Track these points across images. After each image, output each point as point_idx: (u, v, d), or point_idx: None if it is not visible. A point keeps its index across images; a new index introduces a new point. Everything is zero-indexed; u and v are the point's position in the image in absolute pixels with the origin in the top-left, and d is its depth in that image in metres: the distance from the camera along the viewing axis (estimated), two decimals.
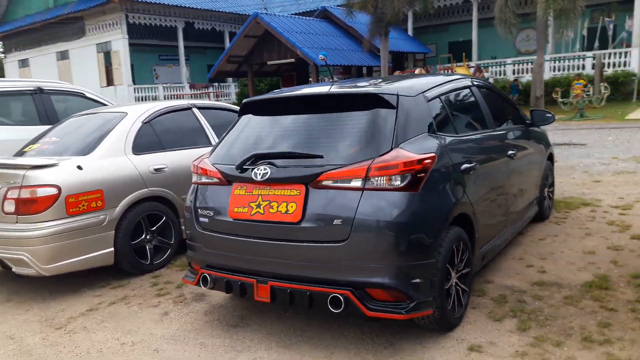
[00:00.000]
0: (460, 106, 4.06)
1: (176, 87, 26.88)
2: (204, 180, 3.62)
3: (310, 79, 28.37)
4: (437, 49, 30.67)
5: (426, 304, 3.00)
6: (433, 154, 3.13)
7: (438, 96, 3.62)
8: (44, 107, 6.85)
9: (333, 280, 3.02)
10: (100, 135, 4.99)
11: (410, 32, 29.10)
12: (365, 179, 2.96)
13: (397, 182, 2.93)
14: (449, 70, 22.23)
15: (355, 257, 2.94)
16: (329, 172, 3.02)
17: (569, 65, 24.06)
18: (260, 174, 3.20)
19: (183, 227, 5.16)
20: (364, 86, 3.67)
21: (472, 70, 23.63)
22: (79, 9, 25.91)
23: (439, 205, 3.13)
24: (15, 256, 4.35)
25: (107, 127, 5.08)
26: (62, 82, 7.45)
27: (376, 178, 2.94)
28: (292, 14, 26.26)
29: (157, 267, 5.09)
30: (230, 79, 29.71)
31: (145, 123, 5.25)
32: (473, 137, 3.88)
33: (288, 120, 3.50)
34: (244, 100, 3.84)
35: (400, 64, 28.08)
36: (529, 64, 24.39)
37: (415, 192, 2.96)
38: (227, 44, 29.61)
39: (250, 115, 3.76)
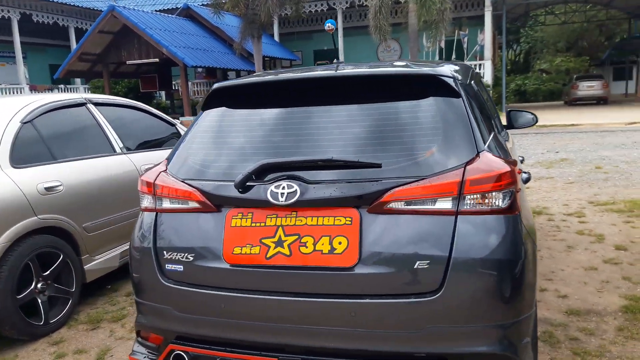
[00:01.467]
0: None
1: (13, 88, 23.09)
2: (169, 205, 2.35)
3: (176, 82, 26.44)
4: (303, 56, 30.42)
5: None
6: (514, 161, 2.24)
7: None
8: None
9: (410, 353, 1.98)
10: None
11: (276, 38, 28.46)
12: (459, 197, 1.96)
13: (499, 202, 1.97)
14: None
15: (452, 316, 1.93)
16: (400, 188, 1.97)
17: None
18: (283, 193, 2.06)
19: (87, 267, 3.76)
20: (401, 67, 2.63)
21: None
22: None
23: (532, 231, 2.25)
24: None
25: None
26: None
27: (473, 196, 1.96)
28: (149, 11, 24.08)
29: (56, 328, 3.61)
30: (78, 81, 26.49)
31: (26, 123, 3.72)
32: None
33: (299, 113, 2.36)
34: (215, 86, 2.58)
35: (270, 69, 27.26)
36: None
37: (516, 214, 2.04)
38: (73, 41, 26.33)
39: (224, 109, 2.53)
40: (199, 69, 25.11)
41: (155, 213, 2.38)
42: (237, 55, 22.49)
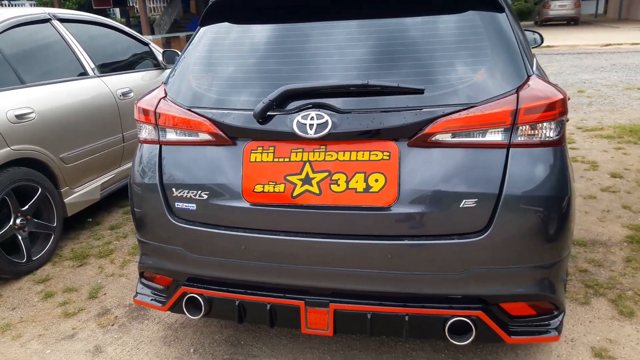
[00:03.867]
0: None
1: None
2: (172, 137, 2.10)
3: None
4: None
5: (564, 313, 2.03)
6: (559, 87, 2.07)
7: None
8: None
9: (448, 295, 1.87)
10: None
11: None
12: (512, 127, 1.77)
13: (552, 134, 1.81)
14: None
15: (497, 257, 1.80)
16: (446, 118, 1.77)
17: None
18: (312, 125, 1.83)
19: (68, 201, 3.52)
20: None
21: None
22: None
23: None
24: None
25: None
26: None
27: (526, 127, 1.78)
28: None
29: (39, 265, 3.39)
30: None
31: None
32: None
33: (322, 30, 2.06)
34: None
35: None
36: None
37: (563, 146, 1.89)
38: None
39: (227, 25, 2.22)
40: None
41: (159, 145, 2.13)
42: None
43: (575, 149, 5.33)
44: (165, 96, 2.16)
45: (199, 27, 2.31)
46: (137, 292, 2.34)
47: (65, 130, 3.58)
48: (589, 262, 3.06)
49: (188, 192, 2.04)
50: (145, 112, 2.15)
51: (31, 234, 3.35)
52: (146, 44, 4.92)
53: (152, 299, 2.28)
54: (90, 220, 4.12)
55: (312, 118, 1.83)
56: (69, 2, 23.01)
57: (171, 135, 2.10)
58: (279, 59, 2.06)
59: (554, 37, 18.56)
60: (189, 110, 2.05)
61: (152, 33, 20.58)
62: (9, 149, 3.13)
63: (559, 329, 1.92)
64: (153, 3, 25.57)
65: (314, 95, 1.88)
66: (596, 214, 3.73)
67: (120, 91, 4.18)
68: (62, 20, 4.01)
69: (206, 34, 2.25)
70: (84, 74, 3.95)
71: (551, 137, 1.81)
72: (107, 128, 4.00)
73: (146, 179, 2.14)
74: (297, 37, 2.09)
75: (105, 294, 3.03)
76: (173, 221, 2.07)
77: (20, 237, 3.25)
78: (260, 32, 2.16)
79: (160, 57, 4.91)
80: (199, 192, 2.02)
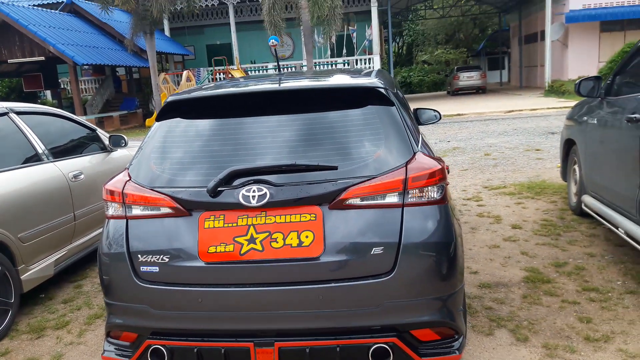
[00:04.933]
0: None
1: None
2: (138, 212, 2.53)
3: (65, 80, 25.03)
4: (195, 51, 29.97)
5: (465, 336, 2.55)
6: (441, 158, 2.69)
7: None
8: None
9: (369, 327, 2.35)
10: None
11: (167, 33, 27.81)
12: (404, 192, 2.35)
13: (435, 195, 2.39)
14: (225, 74, 21.80)
15: (403, 292, 2.32)
16: (355, 187, 2.32)
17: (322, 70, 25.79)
18: (254, 196, 2.32)
19: (24, 277, 3.80)
20: (340, 79, 2.99)
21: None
22: None
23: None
24: None
25: None
26: None
27: (415, 190, 2.36)
28: (29, 6, 22.57)
29: None
30: None
31: None
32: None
33: (253, 123, 2.62)
34: (169, 99, 2.79)
35: (162, 66, 26.63)
36: (288, 68, 25.44)
37: (446, 204, 2.48)
38: None
39: (179, 120, 2.73)
40: (86, 66, 23.97)
41: (125, 220, 2.55)
42: (128, 51, 21.76)
43: (482, 206, 6.10)
44: (130, 179, 2.60)
45: (155, 121, 2.81)
46: (104, 350, 2.65)
47: (22, 211, 3.91)
48: (493, 301, 3.63)
49: (152, 257, 2.45)
50: (113, 192, 2.58)
51: None
52: (93, 130, 5.34)
53: (118, 354, 2.60)
54: (43, 295, 4.35)
55: (253, 191, 2.33)
56: (0, 86, 22.89)
57: (136, 211, 2.53)
58: (222, 145, 2.58)
59: (463, 106, 20.32)
60: (151, 189, 2.50)
61: (85, 113, 20.79)
62: None
63: (460, 349, 2.41)
64: (85, 84, 25.86)
65: (254, 173, 2.39)
66: (499, 260, 4.37)
67: (72, 174, 4.55)
68: (18, 113, 4.40)
69: (161, 127, 2.74)
70: (38, 159, 4.32)
71: (435, 198, 2.39)
72: (60, 208, 4.33)
73: (114, 249, 2.54)
74: (237, 128, 2.63)
75: None
76: (138, 282, 2.46)
77: None
78: (206, 125, 2.69)
79: (106, 141, 5.33)
80: (162, 256, 2.44)
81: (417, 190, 2.36)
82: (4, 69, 21.44)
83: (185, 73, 23.17)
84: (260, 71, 25.95)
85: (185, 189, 2.45)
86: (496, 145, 10.61)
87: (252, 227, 2.36)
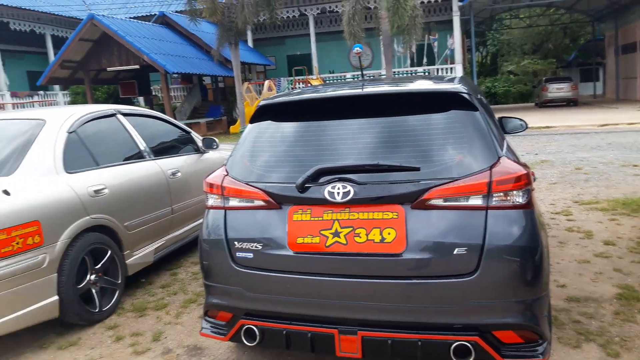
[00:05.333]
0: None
1: None
2: (235, 203, 2.80)
3: (156, 87, 26.54)
4: (276, 61, 30.84)
5: (549, 343, 2.57)
6: (526, 164, 2.74)
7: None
8: None
9: (451, 324, 2.45)
10: (16, 150, 3.78)
11: (250, 44, 28.82)
12: (488, 195, 2.43)
13: (520, 199, 2.45)
14: (304, 83, 22.33)
15: (486, 293, 2.40)
16: (438, 188, 2.44)
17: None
18: (339, 193, 2.51)
19: (129, 262, 4.19)
20: (423, 84, 3.14)
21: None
22: None
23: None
24: None
25: (23, 139, 3.87)
26: None
27: (499, 194, 2.43)
28: (126, 18, 24.19)
29: (108, 315, 4.01)
30: (57, 87, 26.37)
31: (71, 133, 4.12)
32: None
33: (342, 125, 2.82)
34: (261, 103, 3.06)
35: (244, 75, 27.62)
36: (370, 77, 25.64)
37: (532, 209, 2.53)
38: (50, 48, 26.36)
39: (269, 122, 2.99)
40: (175, 75, 25.33)
41: (224, 210, 2.83)
42: (215, 61, 22.80)
43: (571, 220, 5.85)
44: (227, 174, 2.89)
45: (249, 123, 3.08)
46: (202, 327, 2.93)
47: (128, 202, 4.33)
48: (582, 315, 3.53)
49: (246, 244, 2.71)
50: (213, 185, 2.87)
51: (101, 288, 4.00)
52: (188, 132, 5.77)
53: (215, 332, 2.87)
54: (144, 280, 4.76)
55: (338, 188, 2.51)
56: (99, 92, 24.67)
57: (233, 202, 2.80)
58: (309, 145, 2.80)
59: (552, 118, 19.44)
60: (246, 184, 2.77)
61: (175, 119, 21.94)
62: (89, 217, 3.86)
63: (544, 354, 2.43)
64: (174, 92, 27.29)
65: (339, 172, 2.57)
66: (589, 275, 4.20)
67: (170, 171, 4.97)
68: (124, 114, 4.87)
69: (254, 129, 3.01)
70: (141, 157, 4.76)
71: (520, 202, 2.44)
72: (160, 201, 4.75)
73: (214, 236, 2.82)
74: (323, 130, 2.84)
75: (166, 337, 3.62)
76: (235, 267, 2.72)
77: (94, 291, 3.90)
78: (294, 127, 2.92)
79: (200, 143, 5.75)
80: (255, 244, 2.68)
81: (502, 193, 2.43)
82: (103, 77, 23.10)
83: (267, 82, 23.95)
84: (339, 80, 26.29)
85: (276, 184, 2.68)
86: (588, 160, 10.09)
87: (336, 221, 2.55)
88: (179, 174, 5.08)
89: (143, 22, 22.99)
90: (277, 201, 2.67)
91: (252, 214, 2.76)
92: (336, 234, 2.54)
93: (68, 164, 3.92)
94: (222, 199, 2.84)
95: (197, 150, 5.71)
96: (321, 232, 2.57)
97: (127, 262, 4.29)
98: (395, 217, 2.48)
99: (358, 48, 4.75)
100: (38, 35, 26.28)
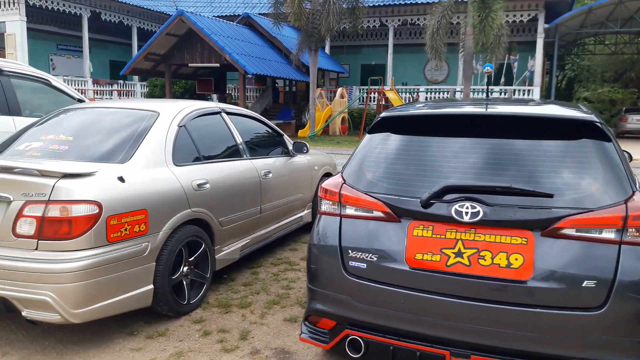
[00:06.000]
0: None
1: (78, 81, 24.22)
2: (351, 212, 2.79)
3: (233, 87, 27.18)
4: (350, 69, 30.92)
5: None
6: None
7: None
8: (4, 93, 5.44)
9: (569, 357, 2.35)
10: (131, 139, 3.90)
11: (327, 51, 29.05)
12: (623, 229, 2.33)
13: None
14: (379, 94, 22.27)
15: (612, 329, 2.30)
16: (572, 217, 2.36)
17: (478, 97, 25.18)
18: (467, 212, 2.46)
19: (218, 257, 4.27)
20: (553, 110, 3.03)
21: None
22: None
23: None
24: (33, 296, 3.17)
25: (138, 129, 4.00)
26: (21, 63, 6.01)
27: (634, 230, 2.33)
28: (212, 17, 24.92)
29: (194, 308, 4.09)
30: (135, 78, 27.52)
31: (181, 127, 4.24)
32: None
33: (466, 144, 2.76)
34: (383, 115, 3.04)
35: (321, 81, 27.88)
36: (441, 92, 25.30)
37: None
38: (135, 40, 27.51)
39: (388, 134, 2.96)
40: (249, 75, 25.90)
41: (339, 218, 2.82)
42: (292, 66, 23.11)
43: None
44: (345, 182, 2.88)
45: (367, 134, 3.07)
46: (301, 332, 2.95)
47: (225, 199, 4.42)
48: None
49: (361, 254, 2.69)
50: (331, 192, 2.87)
51: (191, 281, 4.08)
52: (280, 135, 5.84)
53: (315, 338, 2.87)
54: (226, 276, 4.84)
55: (467, 207, 2.46)
56: (176, 87, 25.51)
57: (350, 211, 2.79)
58: (431, 161, 2.76)
59: (633, 151, 18.51)
60: (365, 193, 2.75)
61: None
62: (190, 210, 3.96)
63: None
64: (248, 92, 27.86)
65: (466, 191, 2.52)
66: None
67: (263, 171, 5.03)
68: (228, 113, 4.98)
69: (372, 140, 3.00)
70: (239, 156, 4.85)
71: None
72: (251, 200, 4.82)
73: (325, 242, 2.82)
74: (446, 146, 2.81)
75: (253, 337, 3.65)
76: (346, 275, 2.71)
77: (184, 283, 3.99)
78: (416, 141, 2.90)
79: (290, 146, 5.81)
80: (370, 254, 2.66)
81: (635, 229, 2.33)
82: (183, 72, 23.88)
83: (339, 90, 24.06)
84: (411, 94, 26.03)
85: (397, 197, 2.65)
86: None
87: (460, 241, 2.49)
88: (270, 175, 5.14)
89: (228, 22, 23.62)
90: (396, 214, 2.64)
91: (369, 224, 2.73)
92: (459, 254, 2.49)
93: (176, 156, 4.04)
94: (339, 206, 2.83)
95: (287, 153, 5.77)
96: (442, 250, 2.52)
97: (216, 257, 4.37)
98: (524, 242, 2.41)
99: (489, 67, 4.64)
100: (125, 27, 27.48)
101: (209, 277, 4.26)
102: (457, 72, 25.58)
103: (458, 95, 23.48)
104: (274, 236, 5.41)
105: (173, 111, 4.28)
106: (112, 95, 25.69)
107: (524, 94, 24.45)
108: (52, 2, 23.12)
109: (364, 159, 2.94)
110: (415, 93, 26.17)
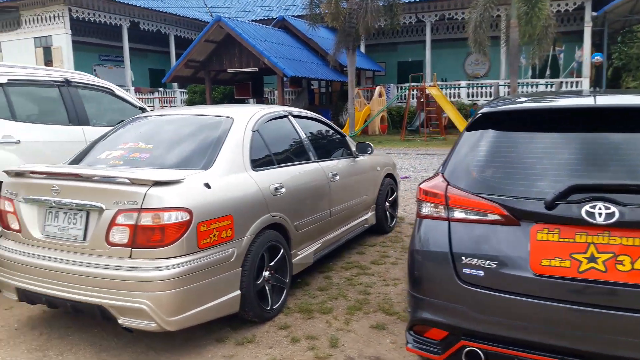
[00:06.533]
0: None
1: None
2: (462, 215, 2.62)
3: (272, 90, 27.32)
4: (386, 67, 30.67)
5: None
6: None
7: None
8: (73, 104, 5.52)
9: None
10: (211, 145, 3.90)
11: (362, 50, 28.88)
12: None
13: None
14: (420, 91, 21.98)
15: None
16: None
17: (525, 92, 24.63)
18: (601, 214, 2.27)
19: (294, 261, 4.24)
20: None
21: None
22: None
23: None
24: (129, 304, 3.17)
25: (216, 135, 3.99)
26: (85, 74, 6.11)
27: None
28: (248, 21, 25.09)
29: (276, 313, 4.04)
30: (175, 85, 27.94)
31: (255, 132, 4.20)
32: None
33: (582, 139, 2.58)
34: (484, 110, 2.87)
35: (356, 81, 27.75)
36: (483, 87, 24.82)
37: None
38: (172, 47, 27.94)
39: (491, 131, 2.78)
40: (285, 78, 25.98)
41: (447, 222, 2.66)
42: (329, 66, 23.05)
43: None
44: (448, 183, 2.73)
45: (465, 131, 2.92)
46: (407, 342, 2.78)
47: (299, 203, 4.37)
48: None
49: (477, 261, 2.52)
50: (434, 194, 2.72)
51: (272, 286, 4.04)
52: (343, 136, 5.77)
53: (424, 349, 2.70)
54: (300, 281, 4.79)
55: (599, 208, 2.28)
56: (215, 92, 25.76)
57: (459, 214, 2.62)
58: (548, 159, 2.58)
59: None
60: (477, 195, 2.59)
61: None
62: (269, 215, 3.92)
63: None
64: (286, 95, 27.94)
65: (595, 190, 2.33)
66: None
67: (331, 174, 4.97)
68: (295, 116, 4.94)
69: (474, 136, 2.83)
70: (308, 159, 4.79)
71: None
72: (322, 203, 4.76)
73: (431, 248, 2.68)
74: (560, 142, 2.63)
75: (343, 345, 3.56)
76: (460, 284, 2.55)
77: (267, 288, 3.95)
78: (526, 137, 2.73)
79: (353, 147, 5.73)
80: (487, 261, 2.49)
81: None
82: (222, 77, 24.10)
83: (378, 88, 23.89)
84: (452, 89, 25.61)
85: (515, 198, 2.48)
86: None
87: (592, 245, 2.32)
88: (337, 177, 5.07)
89: (263, 25, 23.74)
90: (516, 217, 2.48)
91: (484, 228, 2.57)
92: (592, 259, 2.31)
93: (253, 161, 4.01)
94: (446, 209, 2.67)
95: (351, 155, 5.69)
96: (572, 255, 2.34)
97: (292, 261, 4.32)
98: None
99: (598, 57, 4.43)
100: (162, 35, 27.94)
101: (288, 282, 4.22)
102: (498, 66, 25.08)
103: (502, 90, 23.03)
104: (343, 239, 5.34)
105: (246, 116, 4.26)
106: (152, 103, 26.11)
107: (572, 87, 23.81)
108: (94, 15, 23.70)
109: (467, 159, 2.78)
110: (457, 89, 25.73)
